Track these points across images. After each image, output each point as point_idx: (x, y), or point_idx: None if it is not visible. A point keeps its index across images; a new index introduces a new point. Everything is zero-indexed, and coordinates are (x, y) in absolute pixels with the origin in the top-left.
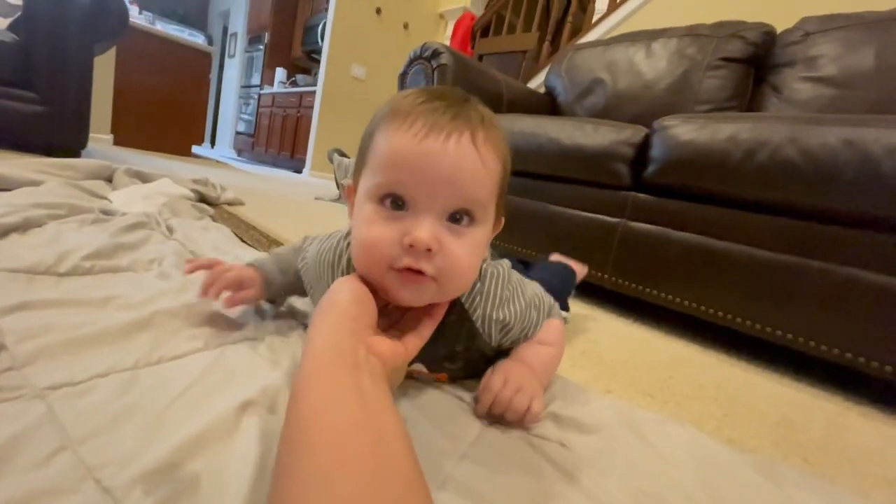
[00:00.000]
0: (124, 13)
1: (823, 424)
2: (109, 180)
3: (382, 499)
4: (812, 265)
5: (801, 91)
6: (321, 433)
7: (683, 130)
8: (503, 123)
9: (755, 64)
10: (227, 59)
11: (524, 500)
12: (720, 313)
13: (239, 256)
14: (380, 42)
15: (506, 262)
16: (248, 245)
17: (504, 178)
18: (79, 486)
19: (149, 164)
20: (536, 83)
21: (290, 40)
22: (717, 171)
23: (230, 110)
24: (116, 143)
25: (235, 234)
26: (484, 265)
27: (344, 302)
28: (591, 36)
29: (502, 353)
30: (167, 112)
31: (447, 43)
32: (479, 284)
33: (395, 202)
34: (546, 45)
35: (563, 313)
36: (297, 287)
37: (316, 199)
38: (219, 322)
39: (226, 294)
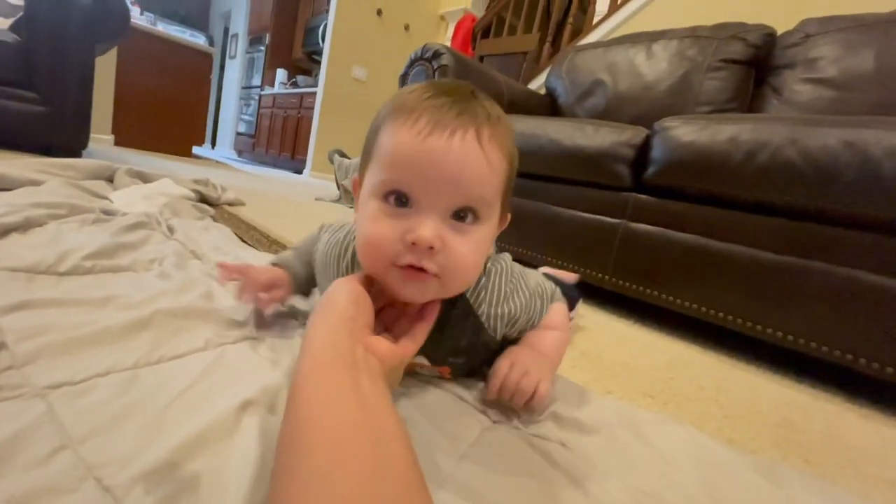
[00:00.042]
0: (126, 14)
1: (824, 425)
2: (110, 180)
3: (382, 499)
4: (812, 266)
5: (802, 93)
6: (320, 433)
7: (684, 132)
8: None
9: (756, 65)
10: (227, 60)
11: (524, 500)
12: (721, 314)
13: (239, 256)
14: (380, 43)
15: (507, 256)
16: (249, 245)
17: (510, 175)
18: (79, 485)
19: (149, 164)
20: (537, 84)
21: (291, 41)
22: (718, 173)
23: (231, 111)
24: (117, 143)
25: (236, 234)
26: (488, 262)
27: (342, 302)
28: (591, 37)
29: (507, 344)
30: (168, 113)
31: (448, 44)
32: (483, 280)
33: (399, 199)
34: (547, 46)
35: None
36: None
37: (316, 199)
38: (219, 322)
39: (262, 296)
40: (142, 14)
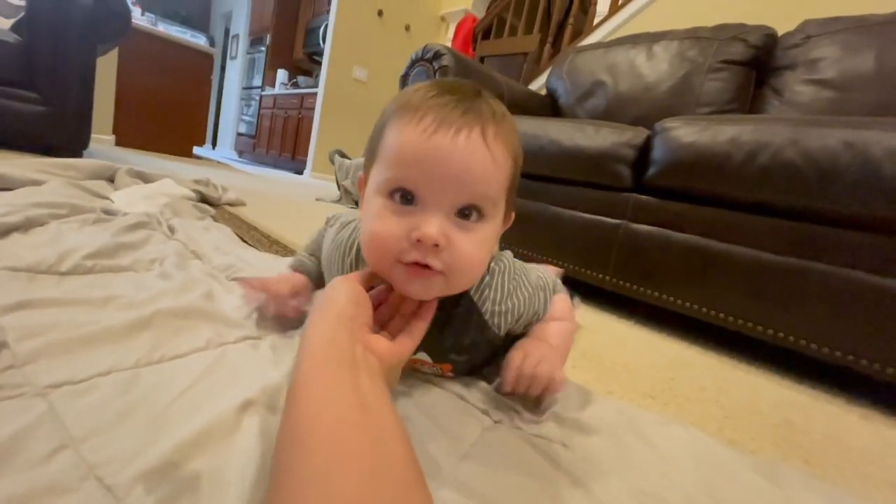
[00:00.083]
0: (127, 15)
1: (824, 426)
2: (111, 180)
3: (381, 497)
4: (813, 267)
5: (802, 93)
6: (319, 431)
7: (685, 132)
8: None
9: (756, 66)
10: (228, 61)
11: (526, 500)
12: (721, 315)
13: (241, 256)
14: (381, 44)
15: (508, 254)
16: (250, 245)
17: (515, 173)
18: (80, 484)
19: (150, 164)
20: (538, 85)
21: (292, 42)
22: (719, 173)
23: (231, 112)
24: (118, 143)
25: (237, 234)
26: (492, 261)
27: (341, 301)
28: (592, 38)
29: (512, 341)
30: (169, 113)
31: (448, 45)
32: (487, 278)
33: (405, 197)
34: (547, 47)
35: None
36: None
37: (317, 200)
38: (220, 322)
39: (292, 303)
40: (143, 15)
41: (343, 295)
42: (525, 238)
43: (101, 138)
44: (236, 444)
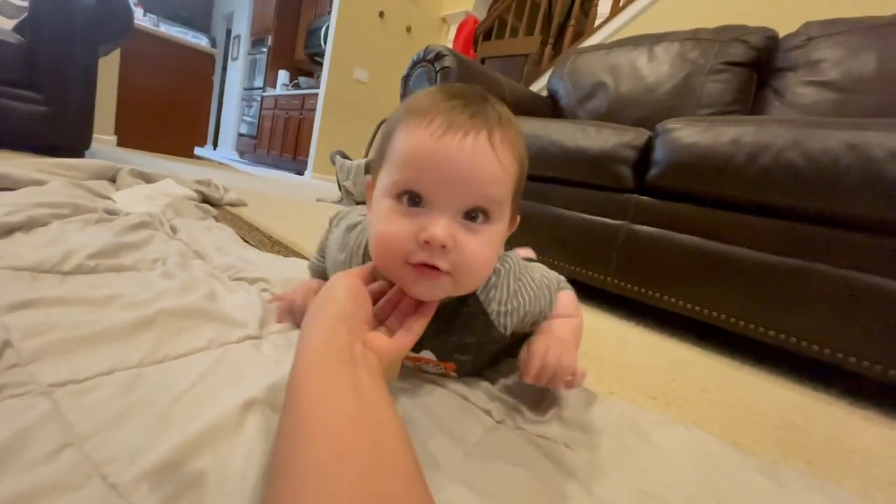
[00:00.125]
0: (129, 15)
1: (826, 428)
2: (113, 180)
3: (380, 493)
4: (815, 268)
5: (804, 95)
6: (319, 428)
7: (686, 133)
8: None
9: (758, 68)
10: (230, 62)
11: (528, 499)
12: (723, 316)
13: (242, 256)
14: (382, 45)
15: (513, 254)
16: (252, 245)
17: (521, 176)
18: (85, 482)
19: (152, 164)
20: (539, 87)
21: (294, 43)
22: (720, 174)
23: (233, 112)
24: (120, 143)
25: (238, 234)
26: (497, 262)
27: (340, 298)
28: (593, 40)
29: (516, 342)
30: (170, 113)
31: (450, 46)
32: (493, 279)
33: (412, 199)
34: (548, 48)
35: None
36: None
37: (318, 200)
38: (222, 321)
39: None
40: (145, 15)
41: (342, 292)
42: (526, 238)
43: (103, 138)
44: (240, 442)
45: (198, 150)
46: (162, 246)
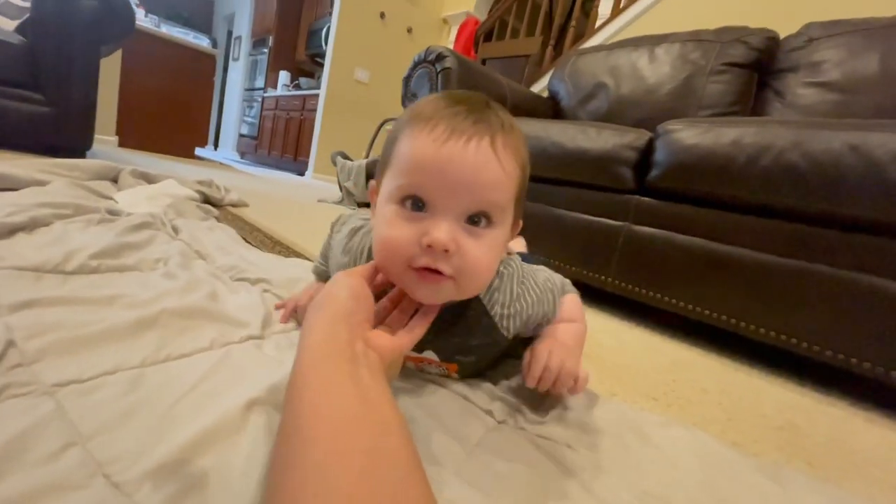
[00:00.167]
0: (131, 16)
1: (828, 429)
2: (115, 181)
3: (381, 492)
4: (816, 269)
5: (805, 96)
6: (320, 426)
7: (687, 134)
8: None
9: (758, 69)
10: (231, 62)
11: (529, 500)
12: (724, 317)
13: (244, 257)
14: (383, 46)
15: (516, 257)
16: (253, 246)
17: (523, 182)
18: (89, 481)
19: (153, 165)
20: (539, 88)
21: (295, 44)
22: (721, 175)
23: (234, 113)
24: (121, 144)
25: (240, 235)
26: (500, 266)
27: (341, 297)
28: (593, 41)
29: (519, 343)
30: (171, 114)
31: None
32: (496, 282)
33: (416, 204)
34: (549, 49)
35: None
36: None
37: (319, 201)
38: (224, 322)
39: None
40: (146, 16)
41: (344, 290)
42: (527, 239)
43: (105, 139)
44: (242, 442)
45: (198, 151)
46: (164, 246)
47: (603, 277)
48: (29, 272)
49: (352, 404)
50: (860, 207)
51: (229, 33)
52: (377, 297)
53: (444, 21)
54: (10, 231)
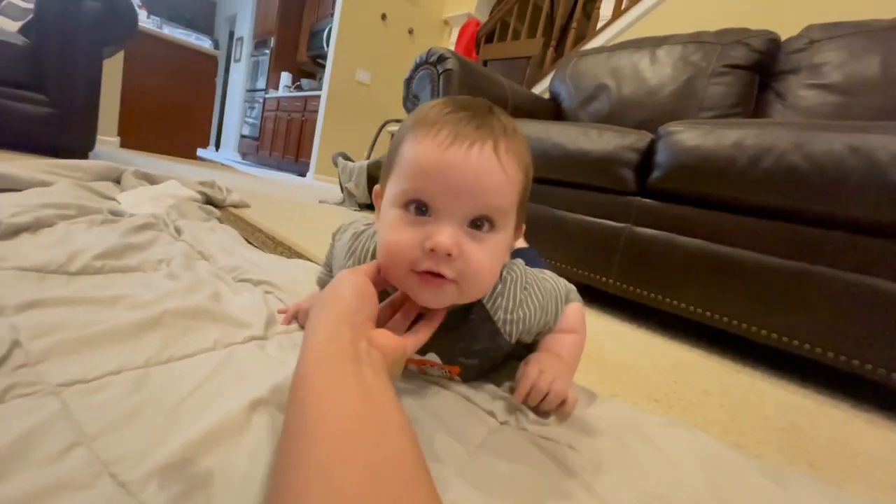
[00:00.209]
0: (133, 17)
1: (830, 431)
2: (117, 182)
3: (385, 491)
4: (817, 271)
5: (806, 98)
6: (323, 425)
7: (689, 136)
8: None
9: (760, 71)
10: (232, 63)
11: (532, 500)
12: (725, 319)
13: (246, 257)
14: (385, 47)
15: (520, 262)
16: (255, 247)
17: (526, 186)
18: (94, 480)
19: (155, 166)
20: (541, 89)
21: (296, 45)
22: (723, 177)
23: (235, 114)
24: (123, 145)
25: (242, 235)
26: (504, 270)
27: (346, 296)
28: (595, 42)
29: (521, 347)
30: (173, 115)
31: (452, 48)
32: (499, 287)
33: (419, 208)
34: (550, 51)
35: None
36: None
37: (320, 202)
38: (227, 322)
39: None
40: (148, 17)
41: (348, 289)
42: (528, 241)
43: (107, 140)
44: (247, 442)
45: (200, 152)
46: (167, 247)
47: (604, 279)
48: (33, 273)
49: (354, 404)
50: (861, 209)
51: (231, 34)
52: (379, 298)
53: (446, 22)
54: (15, 231)
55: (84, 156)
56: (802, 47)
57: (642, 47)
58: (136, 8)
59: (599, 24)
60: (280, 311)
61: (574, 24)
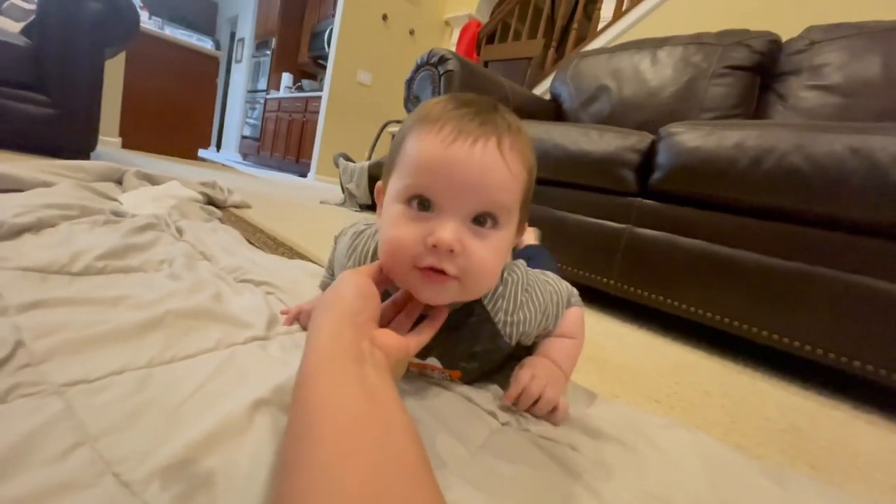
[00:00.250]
0: (135, 18)
1: (831, 432)
2: (119, 182)
3: (389, 492)
4: (818, 272)
5: (807, 99)
6: (326, 426)
7: (690, 137)
8: None
9: (761, 72)
10: (234, 64)
11: (533, 500)
12: (726, 320)
13: (248, 258)
14: (386, 48)
15: (521, 263)
16: (256, 247)
17: (529, 184)
18: (98, 480)
19: (156, 166)
20: (541, 90)
21: (297, 46)
22: (724, 178)
23: (236, 114)
24: (124, 145)
25: (243, 236)
26: (505, 271)
27: (348, 296)
28: (596, 43)
29: (520, 349)
30: (174, 116)
31: (453, 49)
32: (500, 288)
33: (422, 204)
34: (551, 52)
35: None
36: None
37: (321, 202)
38: (229, 322)
39: None
40: (150, 18)
41: (350, 289)
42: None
43: (108, 140)
44: (249, 442)
45: (201, 153)
46: (168, 247)
47: (605, 280)
48: (35, 273)
49: (358, 404)
50: (862, 210)
51: (232, 35)
52: (381, 298)
53: (447, 23)
54: (17, 232)
55: (86, 156)
56: (803, 48)
57: (643, 48)
58: (138, 9)
59: (600, 26)
60: (282, 313)
61: (575, 26)
